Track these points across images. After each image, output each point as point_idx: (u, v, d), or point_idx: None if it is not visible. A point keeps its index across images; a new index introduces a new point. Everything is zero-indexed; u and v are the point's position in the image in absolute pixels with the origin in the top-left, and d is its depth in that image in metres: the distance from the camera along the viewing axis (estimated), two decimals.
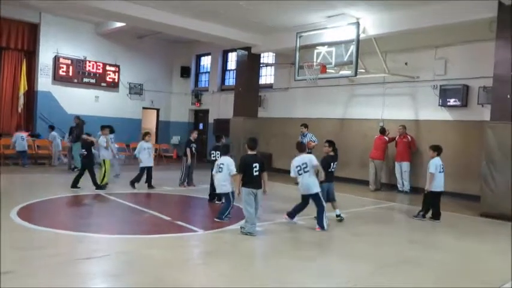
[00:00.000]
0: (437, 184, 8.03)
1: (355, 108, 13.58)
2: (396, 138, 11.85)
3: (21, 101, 15.54)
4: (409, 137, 11.69)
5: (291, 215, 7.20)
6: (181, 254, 5.57)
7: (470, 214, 9.00)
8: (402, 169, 11.65)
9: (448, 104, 11.31)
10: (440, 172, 8.01)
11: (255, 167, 6.33)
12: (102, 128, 10.51)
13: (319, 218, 6.86)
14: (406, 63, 12.25)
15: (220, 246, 5.96)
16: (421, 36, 11.29)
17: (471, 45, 10.99)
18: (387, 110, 12.75)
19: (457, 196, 10.87)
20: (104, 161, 10.02)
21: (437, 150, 8.20)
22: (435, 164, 8.01)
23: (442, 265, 5.49)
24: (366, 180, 12.33)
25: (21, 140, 13.39)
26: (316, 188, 6.88)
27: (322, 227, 6.81)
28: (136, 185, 10.10)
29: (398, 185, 11.80)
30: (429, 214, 8.21)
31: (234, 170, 7.07)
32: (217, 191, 7.72)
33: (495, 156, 8.62)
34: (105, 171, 9.95)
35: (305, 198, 7.05)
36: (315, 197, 6.90)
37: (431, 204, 8.16)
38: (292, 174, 6.96)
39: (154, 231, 6.59)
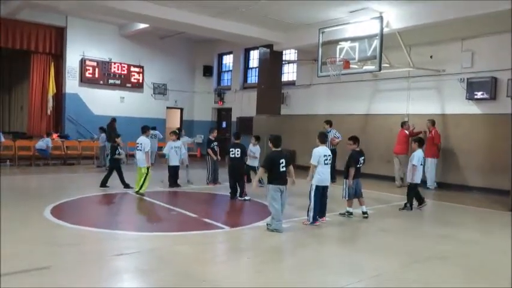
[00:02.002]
0: (419, 176, 8.32)
1: (380, 103, 13.43)
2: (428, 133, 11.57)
3: (50, 103, 16.01)
4: (433, 132, 11.42)
5: (314, 216, 6.87)
6: (209, 250, 5.65)
7: (500, 209, 8.80)
8: (427, 164, 11.43)
9: (476, 97, 11.05)
10: (421, 165, 8.32)
11: (282, 162, 6.34)
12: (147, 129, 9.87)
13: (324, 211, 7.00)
14: (431, 57, 12.04)
15: (247, 243, 6.02)
16: (446, 29, 11.05)
17: (499, 36, 10.71)
18: (412, 104, 12.56)
19: (486, 191, 10.67)
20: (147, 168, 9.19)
21: (419, 142, 8.46)
22: (418, 156, 8.26)
23: (470, 261, 5.41)
24: (391, 176, 12.20)
25: (41, 142, 13.88)
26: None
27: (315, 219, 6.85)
28: (178, 182, 10.47)
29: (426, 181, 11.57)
30: (415, 204, 8.48)
31: None
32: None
33: None
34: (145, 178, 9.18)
35: (321, 190, 6.90)
36: (327, 189, 6.97)
37: (414, 195, 8.45)
38: (315, 161, 6.76)
39: (182, 228, 6.70)
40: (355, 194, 7.55)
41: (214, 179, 10.96)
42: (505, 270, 5.04)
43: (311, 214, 6.80)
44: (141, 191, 9.09)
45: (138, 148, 9.33)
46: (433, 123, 11.47)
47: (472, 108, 11.32)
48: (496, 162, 10.62)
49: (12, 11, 13.61)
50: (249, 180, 9.77)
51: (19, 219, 6.59)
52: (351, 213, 7.56)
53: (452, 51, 11.66)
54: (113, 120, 14.54)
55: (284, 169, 6.37)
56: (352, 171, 7.44)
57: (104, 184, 9.76)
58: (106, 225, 6.60)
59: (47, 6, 12.65)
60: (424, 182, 11.58)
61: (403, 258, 5.36)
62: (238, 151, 9.06)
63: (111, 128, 14.02)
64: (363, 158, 7.64)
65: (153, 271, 4.65)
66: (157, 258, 5.07)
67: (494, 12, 9.28)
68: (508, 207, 8.69)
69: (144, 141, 9.29)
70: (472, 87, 11.11)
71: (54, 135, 15.23)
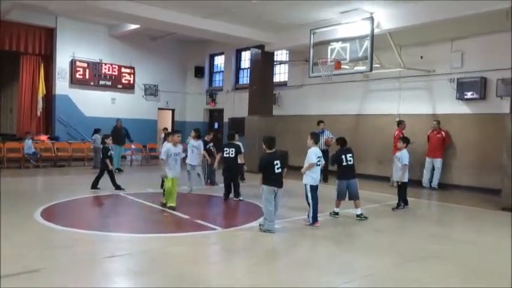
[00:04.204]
0: (406, 175, 8.34)
1: (371, 103, 13.49)
2: (429, 133, 11.61)
3: (40, 105, 15.86)
4: (443, 133, 11.41)
5: (314, 217, 6.89)
6: (202, 251, 5.63)
7: (491, 208, 8.87)
8: (435, 165, 11.44)
9: (466, 97, 11.15)
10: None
11: (276, 164, 6.33)
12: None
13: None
14: (421, 57, 12.12)
15: (239, 244, 6.01)
16: (436, 29, 11.16)
17: (488, 36, 10.82)
18: (403, 104, 12.63)
19: (477, 190, 10.76)
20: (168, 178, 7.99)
21: (406, 141, 8.50)
22: (406, 155, 8.28)
23: (463, 260, 5.44)
24: (383, 176, 12.26)
25: (26, 148, 13.80)
26: None
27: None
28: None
29: (424, 181, 11.60)
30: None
31: None
32: None
33: None
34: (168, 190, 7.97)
35: (315, 191, 6.92)
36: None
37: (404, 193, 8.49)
38: (314, 160, 6.77)
39: (174, 229, 6.68)
40: (345, 195, 7.49)
41: (210, 181, 10.91)
42: (499, 269, 5.09)
43: (311, 215, 6.80)
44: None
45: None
46: (439, 123, 11.50)
47: (462, 108, 11.41)
48: (486, 161, 10.72)
49: (1, 12, 13.46)
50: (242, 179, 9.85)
51: (9, 222, 6.49)
52: (337, 213, 7.55)
53: (442, 51, 11.75)
54: (117, 120, 14.47)
55: (279, 170, 6.36)
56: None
57: (94, 186, 9.68)
58: (97, 227, 6.55)
59: (37, 6, 12.48)
60: (416, 181, 11.67)
61: (396, 258, 5.39)
62: (232, 150, 9.07)
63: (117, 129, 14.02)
64: (349, 155, 7.49)
65: (145, 273, 4.62)
66: (150, 260, 5.04)
67: (483, 13, 9.39)
68: (499, 206, 8.77)
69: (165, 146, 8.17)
70: (462, 87, 11.20)
71: (43, 137, 15.10)
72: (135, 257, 5.16)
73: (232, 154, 9.07)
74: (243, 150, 10.27)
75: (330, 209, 7.66)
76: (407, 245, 6.08)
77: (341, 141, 7.73)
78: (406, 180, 8.37)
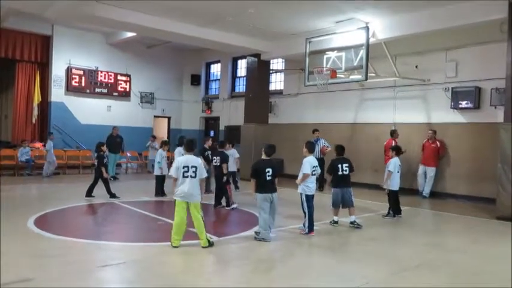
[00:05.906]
0: (395, 183, 8.32)
1: (366, 112, 13.54)
2: (424, 142, 11.66)
3: (35, 112, 15.81)
4: (438, 143, 11.45)
5: (310, 227, 6.87)
6: (197, 260, 5.59)
7: (487, 217, 8.88)
8: (428, 174, 11.47)
9: (460, 106, 11.21)
10: (397, 172, 8.30)
11: (268, 171, 6.33)
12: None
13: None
14: (416, 66, 12.20)
15: (234, 252, 5.97)
16: (431, 39, 11.26)
17: (482, 46, 10.91)
18: (399, 113, 12.69)
19: (472, 199, 10.78)
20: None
21: (396, 150, 8.57)
22: (394, 163, 8.30)
23: (458, 269, 5.44)
24: (378, 184, 12.22)
25: (25, 155, 13.75)
26: None
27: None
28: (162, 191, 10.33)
29: (420, 189, 11.63)
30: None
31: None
32: None
33: (510, 158, 8.52)
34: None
35: (311, 200, 6.92)
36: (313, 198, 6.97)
37: (393, 202, 8.47)
38: (309, 171, 6.78)
39: (168, 238, 6.59)
40: (341, 203, 7.52)
41: (206, 189, 10.81)
42: (495, 278, 5.09)
43: (307, 224, 6.78)
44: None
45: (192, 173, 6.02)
46: (435, 133, 11.52)
47: (457, 117, 11.47)
48: (481, 170, 10.75)
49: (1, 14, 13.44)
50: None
51: (2, 230, 6.42)
52: (336, 222, 7.56)
53: (436, 61, 11.83)
54: (113, 128, 14.38)
55: (270, 178, 6.34)
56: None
57: (89, 194, 9.63)
58: (91, 236, 6.49)
59: (33, 14, 12.46)
60: (416, 190, 11.70)
61: (392, 267, 5.37)
62: (218, 159, 9.07)
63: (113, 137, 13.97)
64: (346, 165, 7.53)
65: (139, 282, 4.58)
66: (144, 269, 5.00)
67: (477, 23, 9.52)
68: (494, 215, 8.78)
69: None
70: (456, 96, 11.27)
71: (38, 144, 15.03)
72: (128, 266, 5.11)
73: (217, 162, 9.09)
74: (237, 156, 10.26)
75: (326, 217, 7.66)
76: (403, 254, 6.07)
77: (338, 149, 7.75)
78: (393, 188, 8.33)
